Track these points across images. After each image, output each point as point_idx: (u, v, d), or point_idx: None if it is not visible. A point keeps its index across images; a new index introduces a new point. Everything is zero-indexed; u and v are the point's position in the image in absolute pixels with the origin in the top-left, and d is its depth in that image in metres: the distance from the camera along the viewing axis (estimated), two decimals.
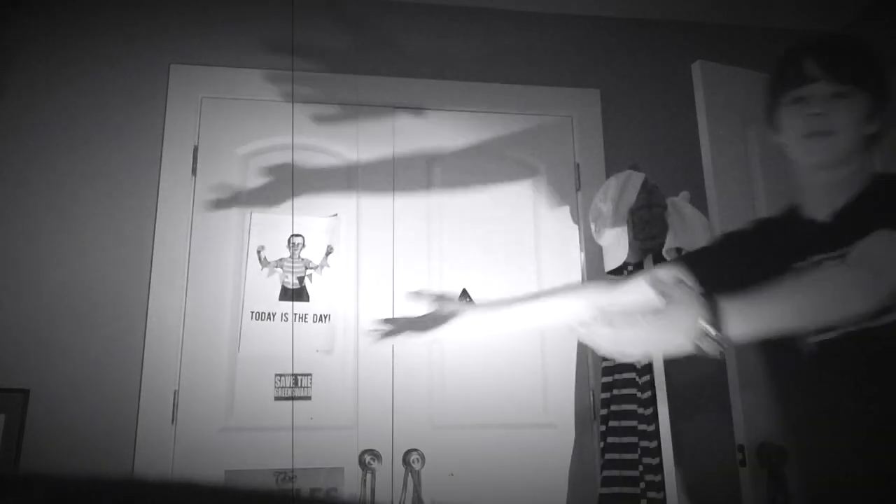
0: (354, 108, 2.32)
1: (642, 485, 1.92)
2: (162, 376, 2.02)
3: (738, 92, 2.15)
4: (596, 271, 2.23)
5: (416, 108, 2.35)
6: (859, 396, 1.18)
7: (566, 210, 2.35)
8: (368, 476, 1.98)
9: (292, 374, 2.06)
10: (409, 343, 1.45)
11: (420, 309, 1.43)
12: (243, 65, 2.30)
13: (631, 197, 2.07)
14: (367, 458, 2.00)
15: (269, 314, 2.10)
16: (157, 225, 2.12)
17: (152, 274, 2.09)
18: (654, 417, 1.99)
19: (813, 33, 2.65)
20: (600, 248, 2.17)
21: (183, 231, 2.13)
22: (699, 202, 2.08)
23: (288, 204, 2.20)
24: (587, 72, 2.49)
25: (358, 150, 2.29)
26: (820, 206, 1.31)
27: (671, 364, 2.14)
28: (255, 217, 2.19)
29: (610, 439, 1.99)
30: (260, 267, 2.14)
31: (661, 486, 1.93)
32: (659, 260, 2.08)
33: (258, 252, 2.14)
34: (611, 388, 2.04)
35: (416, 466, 1.99)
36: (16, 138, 2.14)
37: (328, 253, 2.19)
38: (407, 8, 2.45)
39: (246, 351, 2.07)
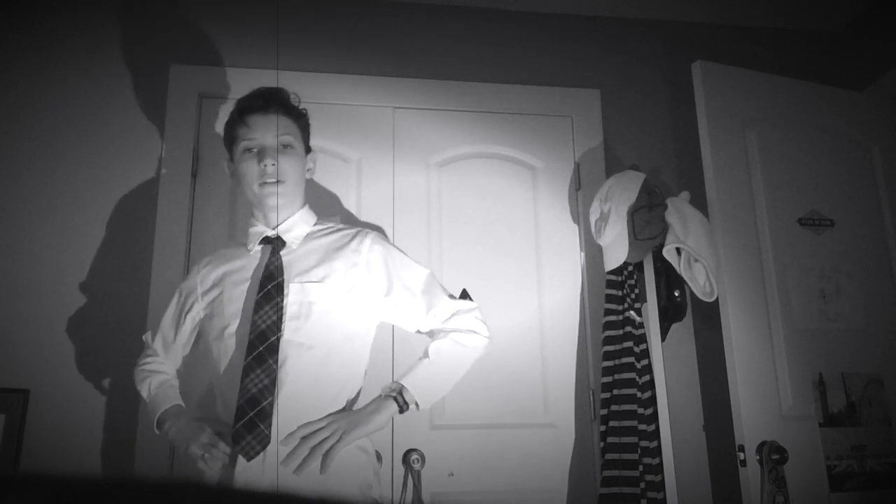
0: (354, 108, 2.32)
1: (642, 485, 1.92)
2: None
3: (738, 92, 2.15)
4: (596, 271, 2.23)
5: (417, 108, 2.35)
6: None
7: (566, 210, 2.35)
8: None
9: None
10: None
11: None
12: (243, 65, 2.30)
13: (631, 197, 2.07)
14: None
15: None
16: (157, 225, 2.13)
17: (152, 273, 2.09)
18: (654, 417, 1.99)
19: (812, 33, 2.65)
20: (600, 248, 2.17)
21: (183, 231, 2.13)
22: (699, 202, 2.09)
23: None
24: (587, 72, 2.49)
25: (358, 151, 2.29)
26: None
27: (671, 365, 2.14)
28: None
29: (610, 439, 1.99)
30: None
31: (661, 487, 1.93)
32: (659, 260, 2.08)
33: None
34: (611, 388, 2.04)
35: (416, 466, 1.99)
36: (15, 138, 2.14)
37: None
38: (407, 8, 2.45)
39: None
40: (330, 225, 1.70)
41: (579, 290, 2.28)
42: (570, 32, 2.53)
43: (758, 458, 1.80)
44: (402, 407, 1.52)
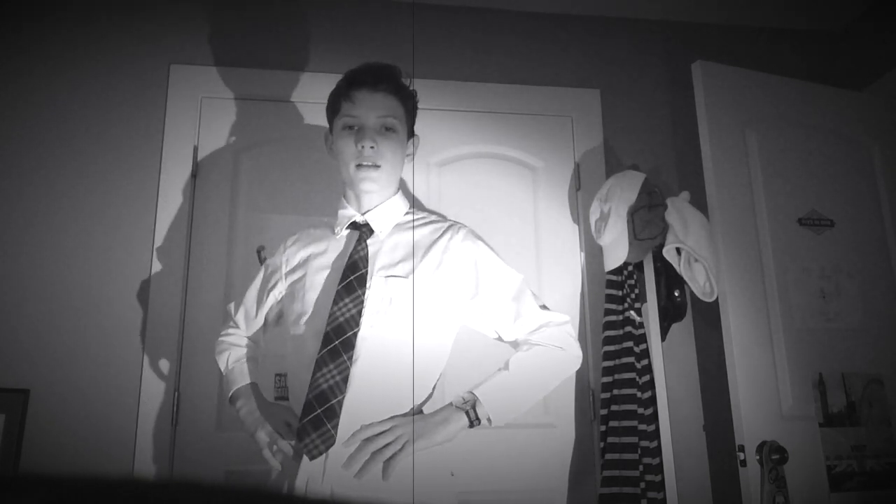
0: None
1: (642, 485, 1.92)
2: (162, 376, 2.02)
3: (738, 92, 2.15)
4: (596, 271, 2.23)
5: (417, 108, 2.34)
6: None
7: (566, 210, 2.35)
8: None
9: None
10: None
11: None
12: (243, 65, 2.30)
13: (631, 197, 2.07)
14: None
15: None
16: (157, 225, 2.13)
17: (152, 274, 2.09)
18: (654, 417, 1.99)
19: (812, 33, 2.65)
20: (600, 248, 2.17)
21: (183, 231, 2.13)
22: (699, 202, 2.09)
23: (288, 204, 2.20)
24: (587, 72, 2.49)
25: None
26: None
27: (671, 365, 2.14)
28: (255, 217, 2.19)
29: (610, 439, 1.99)
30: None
31: (661, 487, 1.93)
32: (659, 260, 2.08)
33: (258, 252, 2.14)
34: (611, 388, 2.04)
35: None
36: (16, 138, 2.14)
37: None
38: (407, 8, 2.45)
39: None
40: (422, 215, 1.60)
41: (579, 290, 2.28)
42: (570, 32, 2.53)
43: (758, 458, 1.80)
44: (473, 422, 1.40)
